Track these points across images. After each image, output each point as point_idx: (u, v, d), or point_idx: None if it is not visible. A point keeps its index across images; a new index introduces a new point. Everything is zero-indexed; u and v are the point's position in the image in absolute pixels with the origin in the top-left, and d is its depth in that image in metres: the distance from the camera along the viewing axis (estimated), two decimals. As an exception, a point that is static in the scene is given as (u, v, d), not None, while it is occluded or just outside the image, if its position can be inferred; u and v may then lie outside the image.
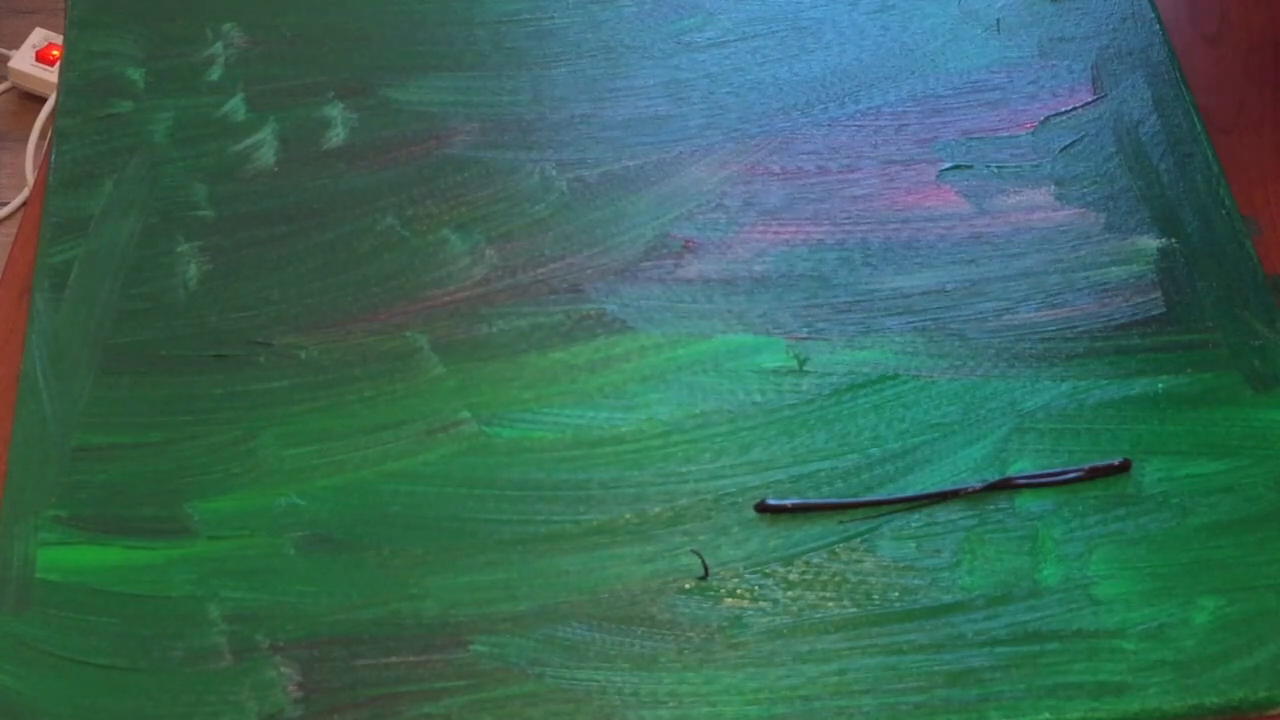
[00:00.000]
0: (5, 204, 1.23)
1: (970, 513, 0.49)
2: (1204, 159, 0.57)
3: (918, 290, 0.54)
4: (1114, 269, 0.54)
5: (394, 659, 0.47)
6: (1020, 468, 0.50)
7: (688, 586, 0.48)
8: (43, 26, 1.29)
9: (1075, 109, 0.58)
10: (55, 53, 1.25)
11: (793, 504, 0.49)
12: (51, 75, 1.24)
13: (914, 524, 0.49)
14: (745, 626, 0.47)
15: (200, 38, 0.62)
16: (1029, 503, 0.49)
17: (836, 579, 0.48)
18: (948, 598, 0.47)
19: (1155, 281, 0.54)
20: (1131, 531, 0.48)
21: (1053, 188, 0.56)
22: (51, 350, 0.53)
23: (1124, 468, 0.49)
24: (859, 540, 0.48)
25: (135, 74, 0.61)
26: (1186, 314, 0.53)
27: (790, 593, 0.48)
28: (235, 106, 0.60)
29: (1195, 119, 0.57)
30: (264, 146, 0.59)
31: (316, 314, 0.54)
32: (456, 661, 0.46)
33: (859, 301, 0.54)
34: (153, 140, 0.59)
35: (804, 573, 0.48)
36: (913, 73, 0.60)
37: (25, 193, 1.21)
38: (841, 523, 0.49)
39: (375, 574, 0.48)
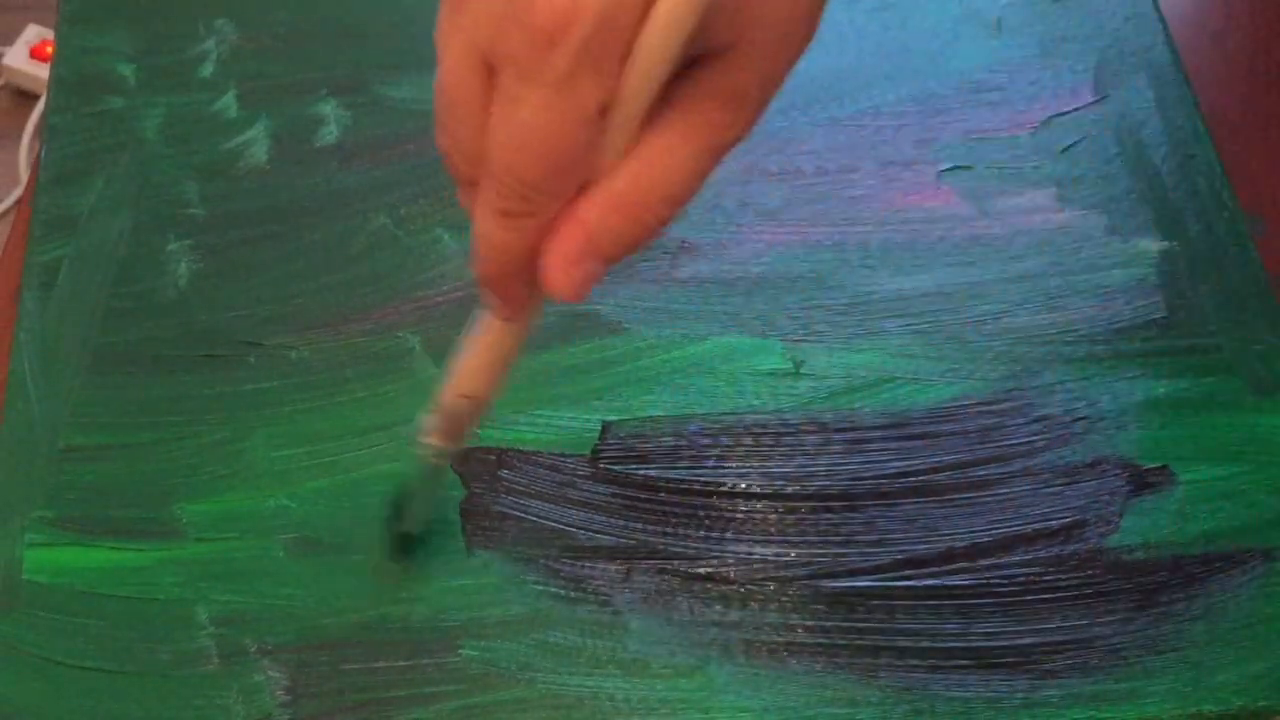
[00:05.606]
0: (-1, 201, 1.22)
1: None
2: (1207, 161, 0.56)
3: (916, 292, 0.54)
4: (1115, 272, 0.54)
5: (383, 663, 0.46)
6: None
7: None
8: (37, 22, 1.28)
9: (1077, 110, 0.58)
10: (50, 49, 1.25)
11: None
12: (46, 72, 1.23)
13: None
14: (740, 632, 0.46)
15: (192, 34, 0.62)
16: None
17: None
18: (945, 604, 0.47)
19: (1156, 285, 0.53)
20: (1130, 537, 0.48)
21: (1053, 189, 0.56)
22: (40, 349, 0.53)
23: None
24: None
25: (126, 70, 0.60)
26: (1188, 318, 0.52)
27: (785, 598, 0.47)
28: (227, 103, 0.59)
29: (1198, 121, 0.57)
30: (256, 144, 0.58)
31: (308, 314, 0.54)
32: (446, 666, 0.46)
33: (857, 303, 0.53)
34: (144, 137, 0.58)
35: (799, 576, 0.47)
36: (912, 72, 0.59)
37: (19, 190, 1.20)
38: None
39: (365, 577, 0.48)
